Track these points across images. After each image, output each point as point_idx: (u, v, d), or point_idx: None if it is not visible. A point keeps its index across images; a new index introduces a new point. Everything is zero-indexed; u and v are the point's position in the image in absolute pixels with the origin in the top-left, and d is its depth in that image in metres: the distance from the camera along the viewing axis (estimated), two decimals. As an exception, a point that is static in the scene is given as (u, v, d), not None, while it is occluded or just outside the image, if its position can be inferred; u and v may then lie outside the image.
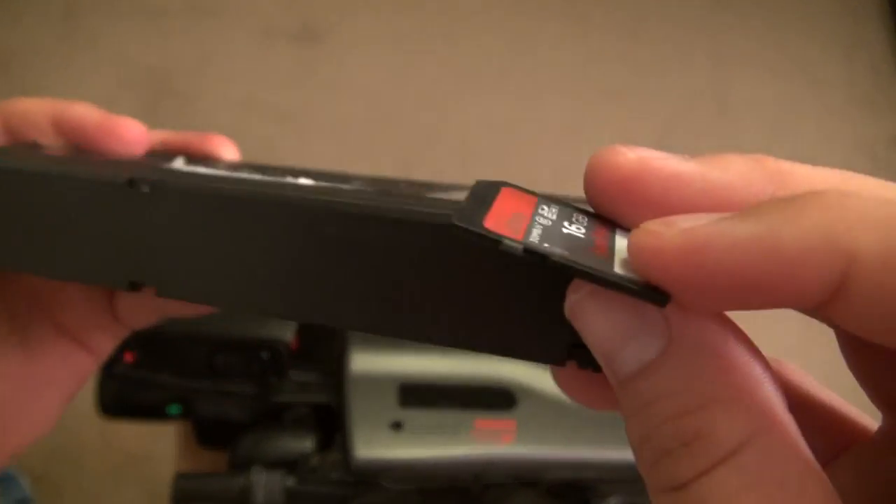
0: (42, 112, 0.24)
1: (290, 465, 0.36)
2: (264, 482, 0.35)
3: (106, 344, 0.25)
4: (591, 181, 0.13)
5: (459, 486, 0.36)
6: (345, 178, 0.21)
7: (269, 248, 0.14)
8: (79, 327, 0.24)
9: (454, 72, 1.27)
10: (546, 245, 0.12)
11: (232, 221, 0.15)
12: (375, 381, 0.37)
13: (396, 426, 0.36)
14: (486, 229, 0.12)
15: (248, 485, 0.35)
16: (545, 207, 0.14)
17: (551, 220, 0.13)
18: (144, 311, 0.24)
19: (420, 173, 1.14)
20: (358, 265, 0.14)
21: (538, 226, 0.13)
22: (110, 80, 1.18)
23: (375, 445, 0.35)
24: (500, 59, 1.31)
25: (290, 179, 0.18)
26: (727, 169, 0.12)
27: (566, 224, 0.13)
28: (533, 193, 0.14)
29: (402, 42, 1.30)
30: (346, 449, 0.35)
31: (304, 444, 0.38)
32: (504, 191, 0.14)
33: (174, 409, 0.42)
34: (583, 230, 0.13)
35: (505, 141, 1.19)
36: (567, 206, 0.14)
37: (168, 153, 0.23)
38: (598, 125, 1.24)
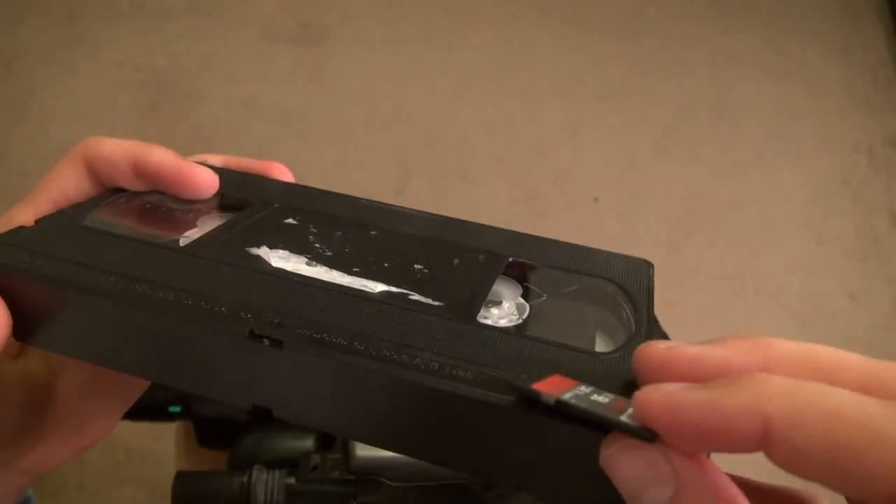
0: (123, 155, 0.26)
1: (290, 464, 0.36)
2: (265, 481, 0.35)
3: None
4: (636, 363, 0.17)
5: (459, 484, 0.36)
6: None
7: (362, 399, 0.18)
8: None
9: (454, 72, 1.27)
10: (573, 401, 0.16)
11: (338, 383, 0.18)
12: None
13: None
14: (532, 389, 0.16)
15: (249, 484, 0.35)
16: (583, 386, 0.17)
17: (585, 392, 0.17)
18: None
19: (420, 173, 1.14)
20: (433, 420, 0.18)
21: (573, 392, 0.16)
22: (112, 81, 1.18)
23: (376, 445, 0.35)
24: (499, 61, 1.31)
25: (366, 285, 0.22)
26: (725, 347, 0.16)
27: (596, 395, 0.16)
28: (576, 380, 0.18)
29: (403, 43, 1.31)
30: (346, 448, 0.36)
31: (305, 443, 0.38)
32: (554, 376, 0.18)
33: (175, 408, 0.43)
34: (608, 399, 0.16)
35: (504, 142, 1.19)
36: (601, 388, 0.17)
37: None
38: (597, 127, 1.24)
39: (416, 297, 0.21)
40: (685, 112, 1.28)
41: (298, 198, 0.26)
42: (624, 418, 0.15)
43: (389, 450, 0.19)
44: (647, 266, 0.27)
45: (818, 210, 1.17)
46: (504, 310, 0.23)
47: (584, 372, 0.18)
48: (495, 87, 1.27)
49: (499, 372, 0.18)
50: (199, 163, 0.27)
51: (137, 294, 0.19)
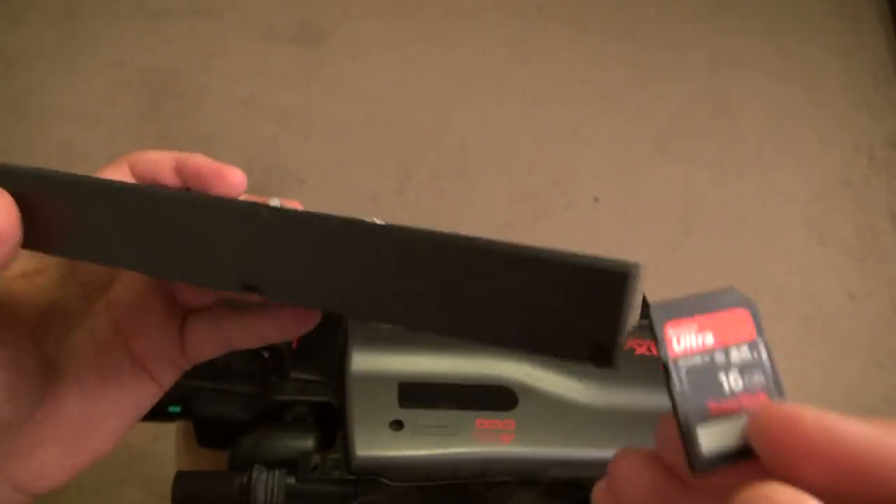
0: (166, 157, 0.28)
1: (290, 464, 0.36)
2: (265, 481, 0.35)
3: (170, 375, 0.27)
4: (764, 430, 0.14)
5: (460, 484, 0.36)
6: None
7: (361, 264, 0.18)
8: (151, 357, 0.26)
9: (454, 73, 1.28)
10: (681, 372, 0.15)
11: (332, 242, 0.18)
12: (376, 381, 0.37)
13: (397, 425, 0.36)
14: (663, 331, 0.15)
15: (249, 484, 0.35)
16: (736, 352, 0.15)
17: (721, 361, 0.15)
18: (210, 343, 0.27)
19: (420, 173, 1.14)
20: (442, 280, 0.17)
21: (703, 357, 0.15)
22: (112, 82, 1.18)
23: (376, 444, 0.35)
24: (499, 61, 1.31)
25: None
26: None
27: (728, 374, 0.15)
28: (758, 331, 0.16)
29: (403, 44, 1.31)
30: (346, 448, 0.36)
31: (305, 443, 0.38)
32: (738, 311, 0.16)
33: (175, 408, 0.43)
34: (730, 390, 0.15)
35: (504, 142, 1.19)
36: (759, 367, 0.16)
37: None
38: (597, 127, 1.24)
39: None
40: (685, 112, 1.28)
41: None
42: (707, 434, 0.14)
43: (379, 319, 0.18)
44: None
45: (818, 210, 1.17)
46: None
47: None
48: (495, 87, 1.27)
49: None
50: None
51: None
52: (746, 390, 0.15)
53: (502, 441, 0.36)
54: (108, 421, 0.27)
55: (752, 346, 0.16)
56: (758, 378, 0.16)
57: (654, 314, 0.15)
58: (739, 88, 1.33)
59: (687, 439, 0.14)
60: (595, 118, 1.25)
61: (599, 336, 0.16)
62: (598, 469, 0.37)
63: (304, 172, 1.11)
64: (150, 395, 0.27)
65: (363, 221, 0.18)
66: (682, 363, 0.15)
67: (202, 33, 1.26)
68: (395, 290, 0.18)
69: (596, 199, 1.14)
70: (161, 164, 0.29)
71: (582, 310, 0.16)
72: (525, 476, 0.37)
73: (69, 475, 0.27)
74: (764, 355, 0.16)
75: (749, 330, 0.16)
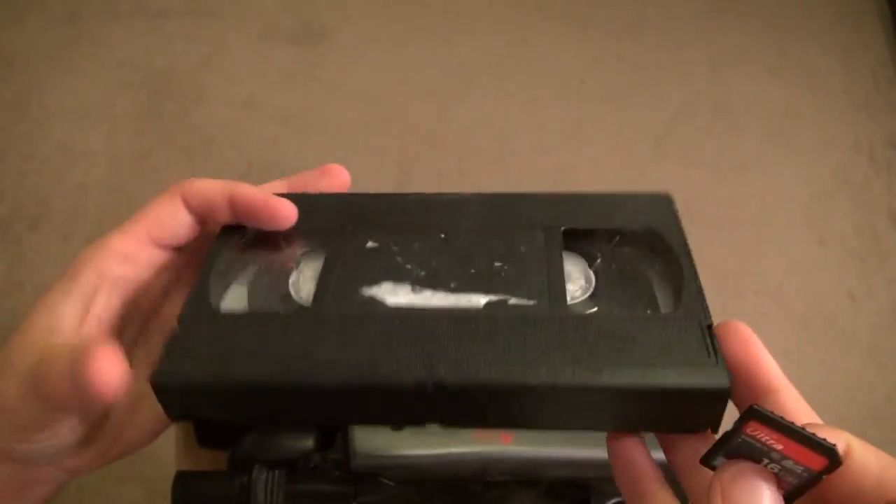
0: (219, 190, 0.29)
1: (290, 464, 0.36)
2: (265, 481, 0.35)
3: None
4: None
5: (459, 484, 0.36)
6: None
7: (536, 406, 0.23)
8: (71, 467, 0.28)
9: (454, 73, 1.28)
10: (738, 438, 0.20)
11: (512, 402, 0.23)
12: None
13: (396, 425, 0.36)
14: (744, 433, 0.19)
15: (249, 484, 0.35)
16: (790, 462, 0.20)
17: (773, 456, 0.19)
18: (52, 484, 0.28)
19: (420, 173, 1.14)
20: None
21: (762, 446, 0.19)
22: (112, 82, 1.18)
23: (375, 444, 0.35)
24: (499, 61, 1.31)
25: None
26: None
27: (769, 463, 0.20)
28: (821, 473, 0.20)
29: (403, 43, 1.31)
30: (346, 447, 0.36)
31: (305, 442, 0.38)
32: (819, 457, 0.20)
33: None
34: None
35: (504, 142, 1.19)
36: (796, 478, 0.20)
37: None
38: (597, 127, 1.24)
39: (513, 300, 0.25)
40: (685, 112, 1.28)
41: (359, 212, 0.30)
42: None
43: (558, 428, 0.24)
44: (668, 201, 0.32)
45: (818, 210, 1.17)
46: (577, 283, 0.27)
47: (668, 338, 0.23)
48: (495, 87, 1.27)
49: (636, 353, 0.22)
50: (276, 194, 0.30)
51: (312, 373, 0.23)
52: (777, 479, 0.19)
53: (502, 440, 0.36)
54: (151, 418, 0.29)
55: (806, 470, 0.19)
56: (790, 479, 0.20)
57: (748, 413, 0.19)
58: (739, 88, 1.33)
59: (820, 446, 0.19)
60: (595, 118, 1.25)
61: (709, 423, 0.23)
62: (598, 469, 0.37)
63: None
64: (63, 481, 0.28)
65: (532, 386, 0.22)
66: (743, 438, 0.19)
67: (202, 33, 1.26)
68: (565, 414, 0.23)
69: (596, 199, 1.14)
70: (214, 198, 0.29)
71: (698, 408, 0.22)
72: (525, 476, 0.37)
73: (105, 463, 0.29)
74: (806, 478, 0.19)
75: (815, 464, 0.19)
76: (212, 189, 0.29)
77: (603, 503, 0.38)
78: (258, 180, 1.07)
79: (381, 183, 1.12)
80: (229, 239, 0.29)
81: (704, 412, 0.22)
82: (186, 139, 1.12)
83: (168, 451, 0.56)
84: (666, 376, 0.22)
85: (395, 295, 0.26)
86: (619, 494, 0.38)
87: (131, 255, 0.28)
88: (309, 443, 0.38)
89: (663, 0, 1.46)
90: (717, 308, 1.01)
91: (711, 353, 0.22)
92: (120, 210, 1.02)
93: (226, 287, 0.27)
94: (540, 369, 0.22)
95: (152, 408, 0.27)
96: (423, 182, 1.12)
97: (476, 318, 0.24)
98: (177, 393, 0.23)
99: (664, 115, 1.27)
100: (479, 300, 0.25)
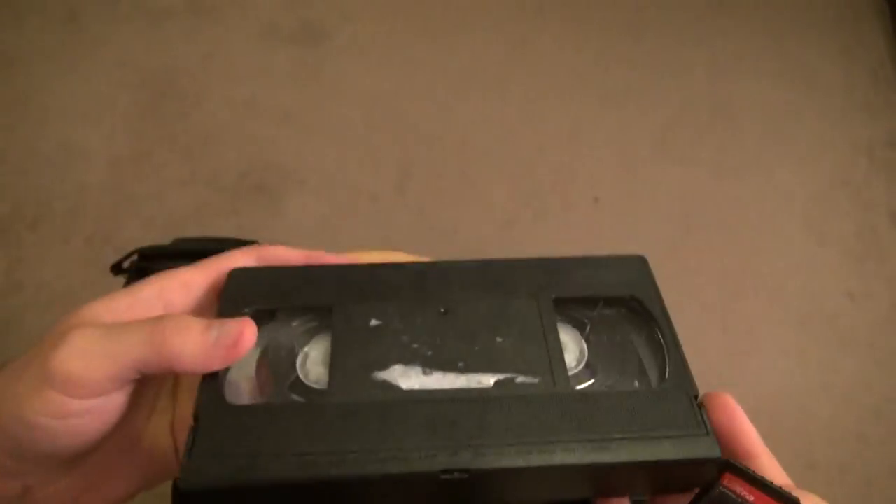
0: (297, 260, 0.31)
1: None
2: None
3: None
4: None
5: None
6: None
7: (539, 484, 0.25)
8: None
9: (454, 73, 1.28)
10: (715, 491, 0.24)
11: (526, 482, 0.25)
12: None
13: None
14: (721, 484, 0.25)
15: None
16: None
17: None
18: None
19: (420, 173, 1.14)
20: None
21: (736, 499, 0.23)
22: (112, 82, 1.18)
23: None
24: (499, 61, 1.31)
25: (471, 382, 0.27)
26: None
27: None
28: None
29: (403, 43, 1.31)
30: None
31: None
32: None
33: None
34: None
35: (505, 143, 1.19)
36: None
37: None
38: (598, 127, 1.24)
39: (520, 378, 0.27)
40: (685, 112, 1.28)
41: (357, 286, 0.30)
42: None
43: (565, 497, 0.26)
44: (643, 263, 0.32)
45: (818, 210, 1.17)
46: (572, 354, 0.29)
47: (661, 411, 0.26)
48: (495, 87, 1.27)
49: (652, 432, 0.25)
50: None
51: (340, 467, 0.24)
52: None
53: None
54: (133, 476, 0.30)
55: None
56: None
57: (725, 466, 0.23)
58: (739, 88, 1.33)
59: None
60: (595, 118, 1.25)
61: (698, 485, 0.26)
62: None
63: (304, 172, 1.11)
64: (172, 467, 0.30)
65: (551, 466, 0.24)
66: (720, 489, 0.22)
67: (202, 33, 1.26)
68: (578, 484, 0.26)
69: (596, 200, 1.14)
70: (290, 261, 0.31)
71: (691, 474, 0.26)
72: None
73: None
74: None
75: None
76: (288, 257, 0.31)
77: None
78: (258, 180, 1.08)
79: (382, 183, 1.12)
80: (232, 305, 0.29)
81: (696, 476, 0.26)
82: (186, 139, 1.12)
83: (168, 451, 0.56)
84: (664, 450, 0.24)
85: (408, 378, 0.27)
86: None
87: (192, 287, 0.29)
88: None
89: (663, 0, 1.46)
90: (718, 308, 1.02)
91: (702, 424, 0.26)
92: (120, 210, 1.02)
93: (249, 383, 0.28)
94: (555, 451, 0.24)
95: (144, 458, 0.28)
96: (423, 182, 1.12)
97: (488, 400, 0.26)
98: (203, 495, 0.24)
99: (664, 115, 1.27)
100: (489, 380, 0.27)
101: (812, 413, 0.95)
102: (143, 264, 0.55)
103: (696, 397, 0.27)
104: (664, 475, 0.25)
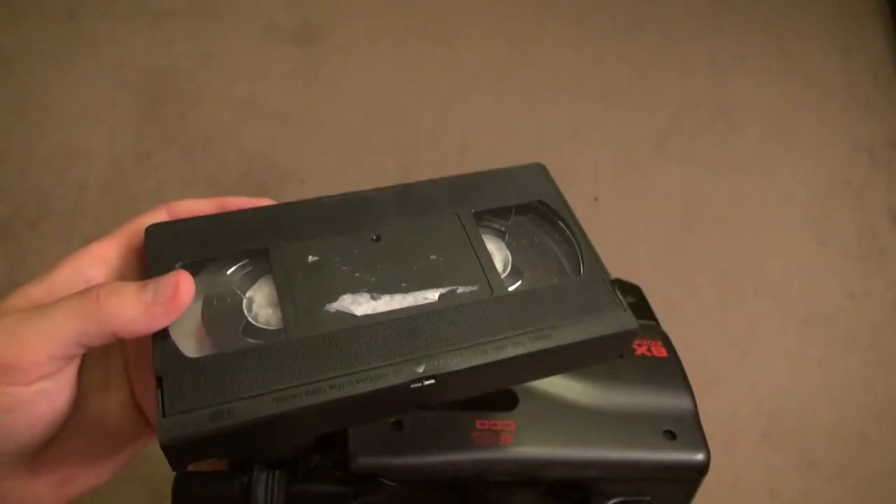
0: (208, 208, 0.31)
1: (290, 464, 0.36)
2: (265, 482, 0.35)
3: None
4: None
5: (460, 484, 0.36)
6: None
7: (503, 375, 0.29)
8: (148, 404, 0.29)
9: (454, 72, 1.28)
10: None
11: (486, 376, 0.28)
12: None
13: (397, 425, 0.36)
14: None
15: (249, 484, 0.35)
16: None
17: None
18: None
19: (420, 173, 1.14)
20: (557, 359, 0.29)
21: None
22: (112, 82, 1.18)
23: (376, 445, 0.35)
24: (499, 60, 1.31)
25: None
26: None
27: None
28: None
29: (403, 43, 1.31)
30: (346, 448, 0.36)
31: (305, 443, 0.38)
32: None
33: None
34: None
35: (504, 142, 1.19)
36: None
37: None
38: (598, 126, 1.24)
39: (460, 289, 0.29)
40: (685, 111, 1.28)
41: (285, 225, 0.31)
42: None
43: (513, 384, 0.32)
44: (542, 170, 0.35)
45: (818, 210, 1.17)
46: (500, 261, 0.31)
47: (588, 298, 0.29)
48: (495, 87, 1.27)
49: (578, 317, 0.28)
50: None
51: (316, 394, 0.25)
52: None
53: (503, 441, 0.36)
54: (105, 457, 0.29)
55: None
56: None
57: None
58: (739, 88, 1.33)
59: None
60: (595, 118, 1.25)
61: (620, 354, 0.31)
62: (598, 469, 0.37)
63: (304, 172, 1.11)
64: (143, 439, 0.30)
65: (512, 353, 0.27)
66: None
67: (202, 33, 1.26)
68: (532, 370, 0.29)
69: (596, 200, 1.14)
70: (202, 212, 0.30)
71: (616, 345, 0.30)
72: (525, 476, 0.37)
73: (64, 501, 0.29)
74: None
75: None
76: (200, 207, 0.30)
77: (603, 504, 0.38)
78: (258, 180, 1.08)
79: (381, 183, 1.12)
80: (161, 263, 0.29)
81: (620, 347, 0.29)
82: (186, 139, 1.12)
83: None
84: (595, 328, 0.28)
85: (359, 305, 0.28)
86: (618, 495, 0.39)
87: (108, 259, 0.28)
88: (309, 443, 0.38)
89: (663, 0, 1.46)
90: (718, 308, 1.02)
91: (619, 303, 0.29)
92: (120, 210, 1.02)
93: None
94: (505, 346, 0.27)
95: (112, 438, 0.28)
96: (423, 182, 1.13)
97: (438, 312, 0.28)
98: (186, 448, 0.24)
99: (664, 115, 1.27)
100: (433, 295, 0.29)
101: (812, 413, 0.95)
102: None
103: (612, 282, 0.30)
104: (596, 350, 0.29)
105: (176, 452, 0.24)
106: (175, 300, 0.26)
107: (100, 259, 0.28)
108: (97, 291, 0.25)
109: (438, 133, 1.19)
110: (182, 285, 0.26)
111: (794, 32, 1.43)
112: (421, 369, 0.26)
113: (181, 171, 1.08)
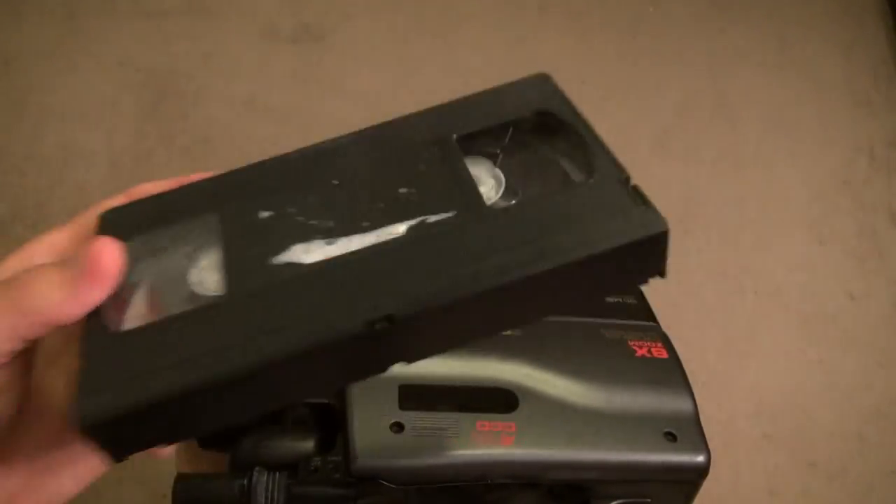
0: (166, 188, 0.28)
1: (291, 466, 0.36)
2: (265, 483, 0.35)
3: None
4: None
5: (460, 486, 0.36)
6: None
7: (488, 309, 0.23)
8: None
9: (454, 73, 1.27)
10: None
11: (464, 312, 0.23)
12: (376, 383, 0.37)
13: (397, 427, 0.36)
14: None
15: (250, 486, 0.35)
16: None
17: None
18: None
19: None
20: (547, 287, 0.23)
21: None
22: (112, 82, 1.18)
23: (376, 447, 0.35)
24: (499, 61, 1.31)
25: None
26: None
27: None
28: None
29: (403, 43, 1.31)
30: (346, 450, 0.36)
31: (306, 445, 0.38)
32: None
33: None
34: None
35: (505, 141, 1.19)
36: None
37: None
38: (598, 125, 1.24)
39: (432, 218, 0.24)
40: (685, 111, 1.28)
41: (238, 187, 0.27)
42: None
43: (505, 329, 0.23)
44: (547, 79, 0.30)
45: (819, 210, 1.17)
46: (488, 185, 0.26)
47: (596, 202, 0.23)
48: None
49: (563, 235, 0.22)
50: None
51: (255, 352, 0.21)
52: None
53: (503, 443, 0.36)
54: (65, 468, 0.26)
55: None
56: None
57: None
58: (739, 87, 1.33)
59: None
60: (595, 118, 1.25)
61: (657, 269, 0.23)
62: (598, 471, 0.37)
63: (304, 172, 1.11)
64: (94, 467, 0.26)
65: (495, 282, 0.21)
66: None
67: (202, 33, 1.26)
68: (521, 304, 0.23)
69: (596, 199, 1.14)
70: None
71: (645, 256, 0.23)
72: (526, 478, 0.37)
73: None
74: None
75: None
76: (160, 187, 0.28)
77: (603, 505, 0.38)
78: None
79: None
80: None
81: (649, 260, 0.22)
82: (186, 139, 1.12)
83: (169, 452, 0.56)
84: (606, 238, 0.21)
85: (310, 253, 0.24)
86: (619, 496, 0.39)
87: (59, 248, 0.26)
88: (309, 445, 0.38)
89: (663, -1, 1.46)
90: (718, 308, 1.02)
91: (639, 201, 0.23)
92: (120, 210, 1.02)
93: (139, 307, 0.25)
94: (482, 277, 0.21)
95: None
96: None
97: (402, 246, 0.23)
98: (112, 427, 0.21)
99: (664, 114, 1.27)
100: (399, 228, 0.24)
101: (812, 413, 0.95)
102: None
103: (627, 179, 0.24)
104: (615, 266, 0.22)
105: (102, 438, 0.21)
106: (99, 269, 0.22)
107: (50, 248, 0.26)
108: (21, 278, 0.22)
109: (438, 133, 1.19)
110: (105, 249, 0.22)
111: (794, 32, 1.43)
112: (375, 312, 0.21)
113: (181, 171, 1.08)
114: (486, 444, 0.36)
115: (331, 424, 0.39)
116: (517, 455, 0.36)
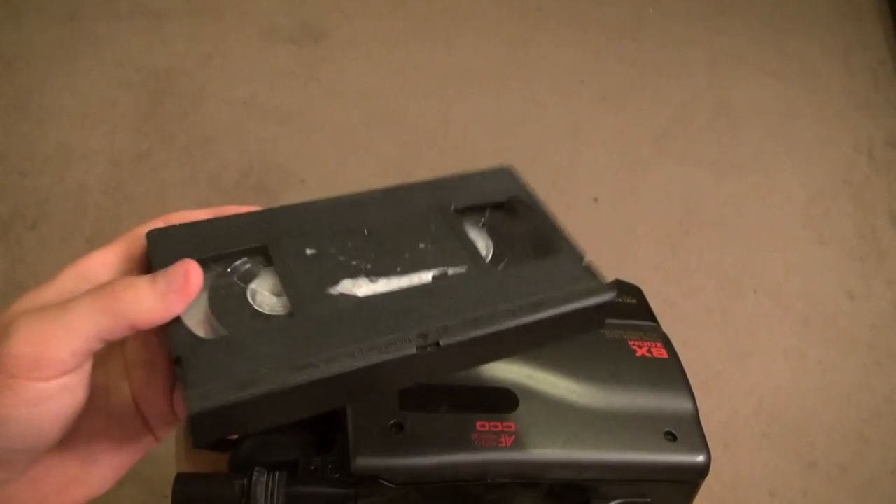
0: (204, 214, 0.32)
1: (291, 466, 0.36)
2: (265, 483, 0.35)
3: (164, 430, 0.30)
4: None
5: (460, 486, 0.36)
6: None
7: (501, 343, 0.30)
8: (150, 410, 0.30)
9: (454, 73, 1.28)
10: None
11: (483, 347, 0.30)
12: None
13: (397, 428, 0.36)
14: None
15: (249, 486, 0.35)
16: None
17: None
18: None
19: (420, 173, 1.14)
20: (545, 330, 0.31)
21: None
22: (112, 82, 1.18)
23: (376, 447, 0.35)
24: (499, 61, 1.31)
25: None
26: None
27: None
28: None
29: (403, 43, 1.31)
30: (346, 450, 0.36)
31: (305, 445, 0.38)
32: None
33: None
34: None
35: (504, 142, 1.19)
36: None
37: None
38: (597, 127, 1.24)
39: (451, 270, 0.32)
40: (685, 112, 1.28)
41: (280, 225, 0.33)
42: None
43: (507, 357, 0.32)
44: (512, 173, 0.38)
45: (818, 210, 1.17)
46: (483, 248, 0.34)
47: (568, 275, 0.32)
48: (495, 87, 1.27)
49: (561, 290, 0.31)
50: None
51: (334, 364, 0.26)
52: None
53: (503, 443, 0.36)
54: (106, 462, 0.29)
55: None
56: None
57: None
58: (739, 88, 1.33)
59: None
60: (595, 118, 1.25)
61: (599, 324, 0.32)
62: (598, 471, 0.37)
63: (304, 172, 1.11)
64: (146, 444, 0.30)
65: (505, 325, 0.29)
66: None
67: (202, 33, 1.26)
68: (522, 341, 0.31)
69: (596, 200, 1.14)
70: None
71: (596, 315, 0.31)
72: (526, 478, 0.37)
73: None
74: None
75: None
76: (197, 216, 0.31)
77: (603, 504, 0.38)
78: (258, 180, 1.08)
79: (382, 183, 1.12)
80: (165, 262, 0.29)
81: (600, 317, 0.32)
82: (186, 139, 1.12)
83: (168, 452, 0.56)
84: (579, 301, 0.30)
85: (360, 287, 0.30)
86: (619, 496, 0.39)
87: (111, 264, 0.29)
88: (309, 445, 0.38)
89: (663, 0, 1.46)
90: (718, 308, 1.01)
91: (596, 278, 0.32)
92: (120, 210, 1.02)
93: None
94: (499, 318, 0.29)
95: (121, 429, 0.28)
96: (423, 182, 1.13)
97: (433, 290, 0.30)
98: (212, 419, 0.25)
99: (664, 115, 1.27)
100: (427, 276, 0.31)
101: (812, 413, 0.95)
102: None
103: (586, 261, 0.33)
104: (580, 320, 0.31)
105: (202, 425, 0.25)
106: (187, 286, 0.27)
107: (104, 265, 0.29)
108: (112, 287, 0.26)
109: (438, 133, 1.19)
110: (191, 271, 0.27)
111: (794, 33, 1.43)
112: (426, 339, 0.28)
113: (181, 171, 1.08)
114: (485, 444, 0.36)
115: (330, 424, 0.39)
116: (517, 455, 0.36)
